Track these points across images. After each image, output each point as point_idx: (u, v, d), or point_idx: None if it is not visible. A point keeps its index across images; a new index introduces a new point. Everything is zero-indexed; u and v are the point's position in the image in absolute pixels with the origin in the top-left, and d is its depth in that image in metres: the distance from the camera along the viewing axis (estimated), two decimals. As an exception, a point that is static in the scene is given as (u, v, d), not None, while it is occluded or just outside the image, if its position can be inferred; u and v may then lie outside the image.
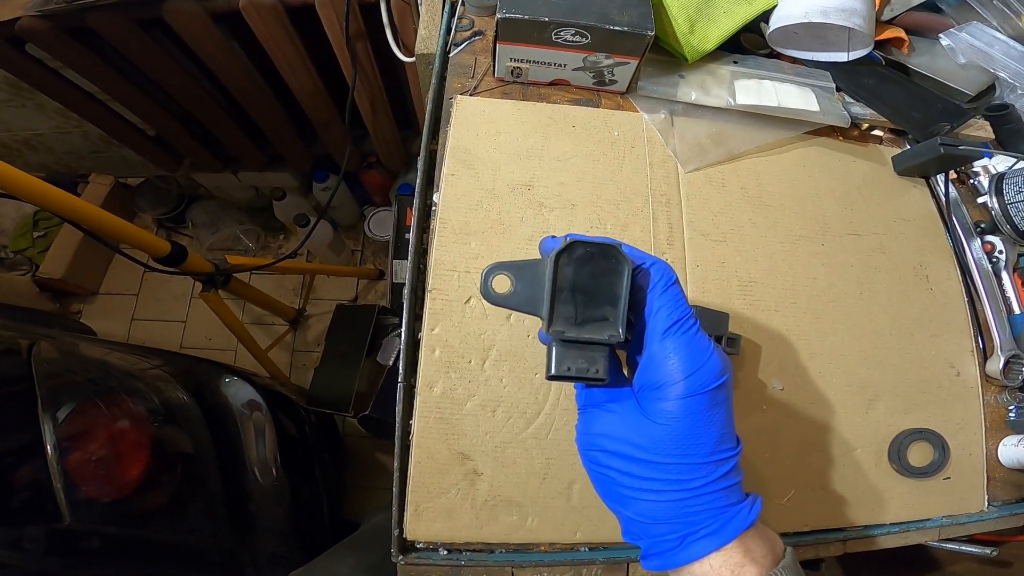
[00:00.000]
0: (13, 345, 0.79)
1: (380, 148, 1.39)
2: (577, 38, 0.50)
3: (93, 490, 0.73)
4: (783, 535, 0.46)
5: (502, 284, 0.33)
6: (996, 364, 0.52)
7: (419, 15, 0.63)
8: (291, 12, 0.97)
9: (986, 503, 0.50)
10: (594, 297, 0.32)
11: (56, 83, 1.14)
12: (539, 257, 0.34)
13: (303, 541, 1.04)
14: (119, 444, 0.77)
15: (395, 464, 0.43)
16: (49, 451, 0.68)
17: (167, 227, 1.79)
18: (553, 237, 0.35)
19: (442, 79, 0.56)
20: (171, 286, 1.72)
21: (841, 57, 0.59)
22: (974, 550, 0.51)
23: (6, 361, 0.76)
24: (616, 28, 0.48)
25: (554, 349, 0.32)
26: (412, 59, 0.65)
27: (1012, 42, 0.60)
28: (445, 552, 0.43)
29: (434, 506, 0.43)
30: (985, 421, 0.52)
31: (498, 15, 0.48)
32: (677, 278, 0.34)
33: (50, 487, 0.68)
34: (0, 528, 0.65)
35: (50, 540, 0.68)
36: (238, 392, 1.03)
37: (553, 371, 0.32)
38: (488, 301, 0.33)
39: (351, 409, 1.23)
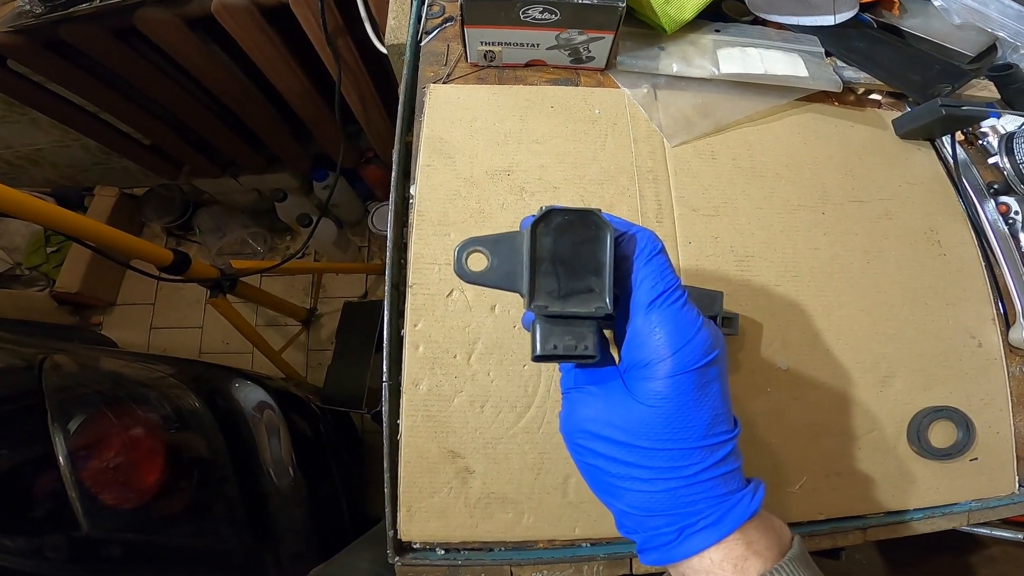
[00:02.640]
0: (23, 360, 0.80)
1: (376, 142, 1.37)
2: (546, 15, 0.47)
3: (111, 498, 0.74)
4: (796, 525, 0.44)
5: (477, 261, 0.30)
6: (1020, 332, 0.48)
7: (394, 4, 0.61)
8: (266, 12, 0.94)
9: (1017, 485, 0.47)
10: (576, 268, 0.30)
11: (44, 97, 1.14)
12: (516, 230, 0.31)
13: (324, 539, 1.05)
14: (133, 452, 0.78)
15: (385, 464, 0.42)
16: (61, 462, 0.69)
17: (176, 235, 1.81)
18: (532, 216, 0.33)
19: (415, 68, 0.54)
20: (185, 293, 1.74)
21: (828, 20, 0.56)
22: (1007, 535, 0.48)
23: (17, 376, 0.78)
24: (585, 1, 0.46)
25: (538, 327, 0.30)
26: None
27: (1007, 0, 0.56)
28: (442, 552, 0.42)
29: (427, 506, 0.42)
30: (1012, 396, 0.48)
31: (462, -3, 0.46)
32: (663, 247, 0.31)
33: (65, 497, 0.69)
34: (22, 538, 0.66)
35: (72, 549, 0.69)
36: (249, 395, 1.04)
37: (538, 351, 0.30)
38: (463, 279, 0.30)
39: (364, 406, 1.23)
